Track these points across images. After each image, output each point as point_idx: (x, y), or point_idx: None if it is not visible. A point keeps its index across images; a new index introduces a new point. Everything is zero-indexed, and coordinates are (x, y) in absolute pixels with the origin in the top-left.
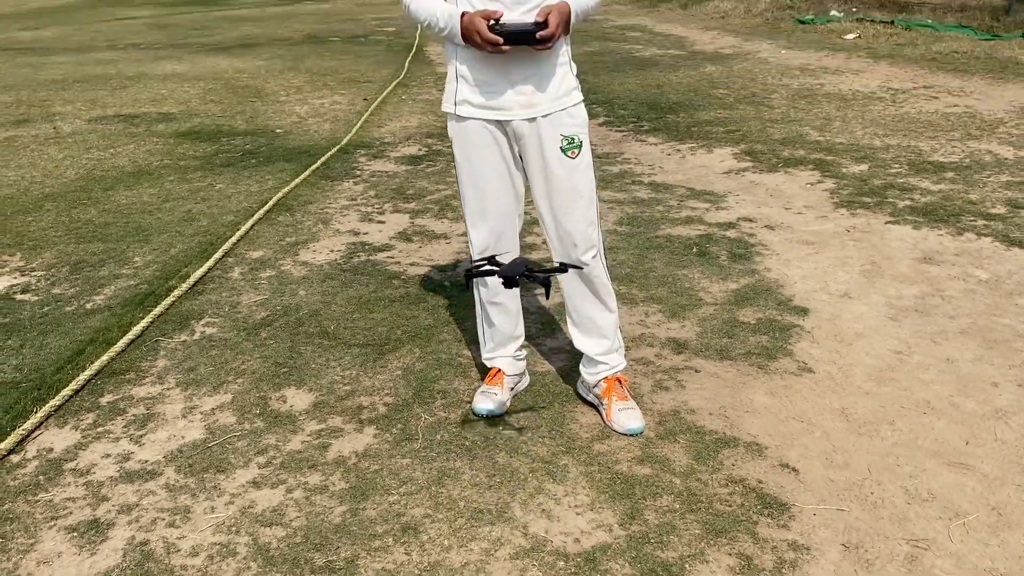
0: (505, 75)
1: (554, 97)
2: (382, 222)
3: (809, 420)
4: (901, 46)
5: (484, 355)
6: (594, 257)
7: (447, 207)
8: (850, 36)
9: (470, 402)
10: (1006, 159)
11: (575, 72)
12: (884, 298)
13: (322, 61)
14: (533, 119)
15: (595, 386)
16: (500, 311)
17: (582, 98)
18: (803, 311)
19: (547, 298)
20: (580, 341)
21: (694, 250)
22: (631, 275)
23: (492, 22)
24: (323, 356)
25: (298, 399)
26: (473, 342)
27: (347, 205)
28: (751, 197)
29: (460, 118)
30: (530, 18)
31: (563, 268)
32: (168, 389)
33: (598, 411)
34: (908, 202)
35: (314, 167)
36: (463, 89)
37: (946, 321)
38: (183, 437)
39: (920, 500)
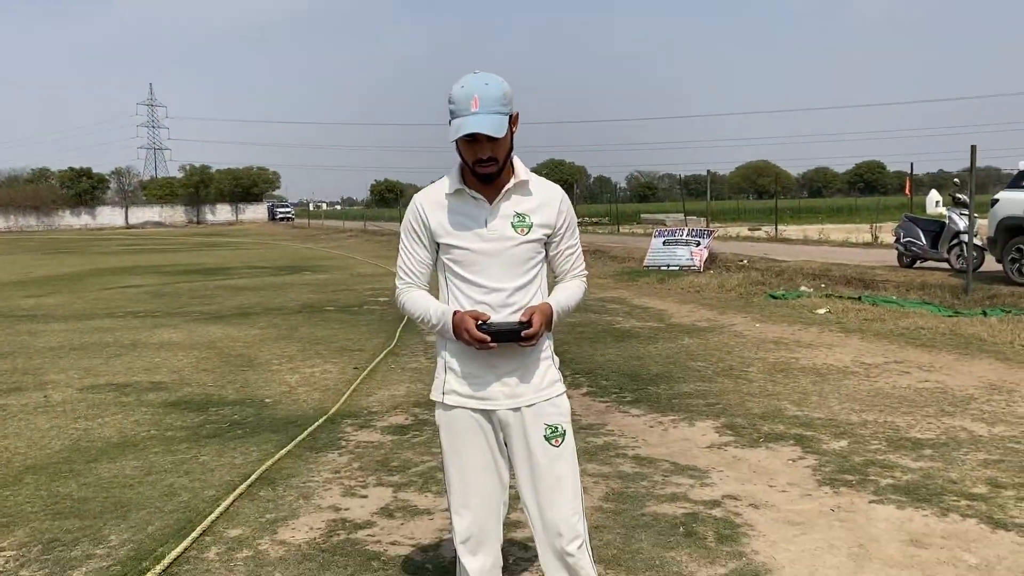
0: (491, 367)
1: (537, 388)
2: (364, 496)
3: None
4: (870, 321)
5: None
6: (579, 547)
7: (431, 479)
8: (821, 311)
9: None
10: (981, 436)
11: (557, 365)
12: None
13: (315, 330)
14: (518, 408)
15: None
16: None
17: (565, 389)
18: None
19: None
20: None
21: (680, 530)
22: (618, 557)
23: (480, 322)
24: None
25: None
26: None
27: (330, 478)
28: (735, 473)
29: (447, 407)
30: (515, 318)
31: None
32: None
33: None
34: (890, 480)
35: (299, 439)
36: (451, 380)
37: None
38: None
39: None
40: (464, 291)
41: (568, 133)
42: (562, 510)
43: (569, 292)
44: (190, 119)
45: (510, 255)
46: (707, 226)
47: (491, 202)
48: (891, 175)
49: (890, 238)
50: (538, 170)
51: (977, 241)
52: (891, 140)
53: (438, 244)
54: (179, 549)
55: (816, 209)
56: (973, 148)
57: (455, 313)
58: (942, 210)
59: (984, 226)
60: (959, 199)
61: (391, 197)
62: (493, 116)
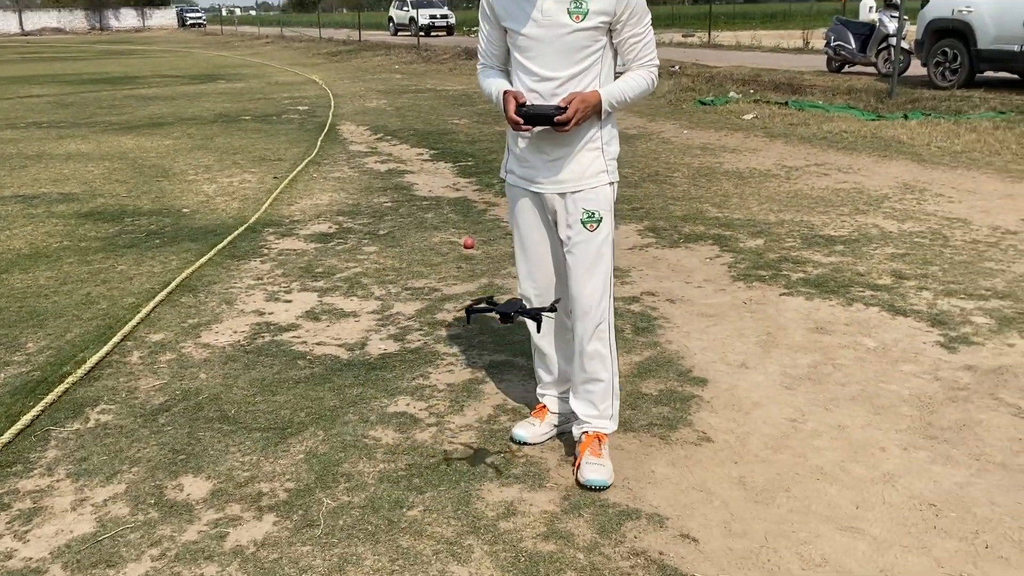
0: (539, 152)
1: (580, 177)
2: (289, 301)
3: (708, 489)
4: (795, 126)
5: (537, 390)
6: (598, 327)
7: (356, 285)
8: (748, 116)
9: (375, 485)
10: (891, 232)
11: (610, 156)
12: (779, 367)
13: (232, 140)
14: (563, 194)
15: (577, 440)
16: (539, 355)
17: (611, 180)
18: (702, 382)
19: (538, 332)
20: (572, 401)
21: None
22: None
23: (519, 104)
24: (222, 442)
25: (195, 487)
26: (379, 422)
27: (253, 285)
28: (654, 272)
29: (508, 184)
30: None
31: (553, 308)
32: (58, 481)
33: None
34: (801, 274)
35: (220, 246)
36: (511, 159)
37: (837, 389)
38: (72, 531)
39: (814, 566)
40: (521, 78)
41: None
42: (584, 290)
43: (627, 82)
44: None
45: (563, 43)
46: None
47: None
48: None
49: (821, 43)
50: None
51: (905, 44)
52: None
53: (505, 29)
54: (101, 353)
55: (751, 14)
56: None
57: (504, 92)
58: (874, 16)
59: (913, 30)
60: (891, 1)
61: (309, 2)
62: None
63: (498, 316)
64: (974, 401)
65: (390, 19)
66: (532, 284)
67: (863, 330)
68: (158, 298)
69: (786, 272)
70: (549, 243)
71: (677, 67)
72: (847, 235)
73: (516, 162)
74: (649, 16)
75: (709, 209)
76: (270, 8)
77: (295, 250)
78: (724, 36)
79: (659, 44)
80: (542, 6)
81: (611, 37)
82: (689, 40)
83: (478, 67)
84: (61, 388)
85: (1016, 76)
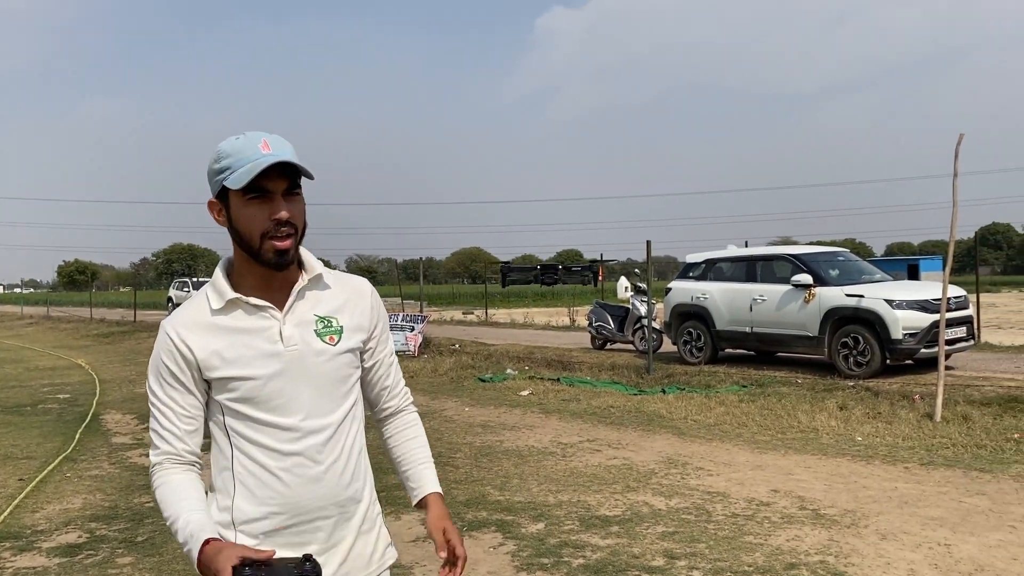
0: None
1: (368, 565)
2: None
3: None
4: (567, 402)
5: None
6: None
7: None
8: (524, 392)
9: None
10: (660, 509)
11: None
12: None
13: None
14: None
15: None
16: None
17: (396, 554)
18: None
19: None
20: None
21: None
22: None
23: (242, 565)
24: None
25: None
26: None
27: None
28: (437, 567)
29: None
30: (345, 469)
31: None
32: None
33: None
34: (581, 560)
35: None
36: None
37: None
38: None
39: None
40: (261, 442)
41: None
42: None
43: (422, 443)
44: None
45: (323, 375)
46: (421, 311)
47: (281, 308)
48: (586, 263)
49: (585, 322)
50: None
51: (656, 324)
52: (586, 231)
53: (208, 382)
54: None
55: (523, 293)
56: (648, 243)
57: (207, 541)
58: (629, 295)
59: (662, 311)
60: (639, 287)
61: (83, 280)
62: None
63: None
64: None
65: (169, 299)
66: None
67: None
68: None
69: (567, 558)
70: None
71: (457, 345)
72: (621, 514)
73: None
74: None
75: (491, 492)
76: (38, 286)
77: (34, 568)
78: (500, 314)
79: (441, 322)
80: (281, 334)
81: (362, 362)
82: (468, 317)
83: (155, 461)
84: None
85: (752, 352)
